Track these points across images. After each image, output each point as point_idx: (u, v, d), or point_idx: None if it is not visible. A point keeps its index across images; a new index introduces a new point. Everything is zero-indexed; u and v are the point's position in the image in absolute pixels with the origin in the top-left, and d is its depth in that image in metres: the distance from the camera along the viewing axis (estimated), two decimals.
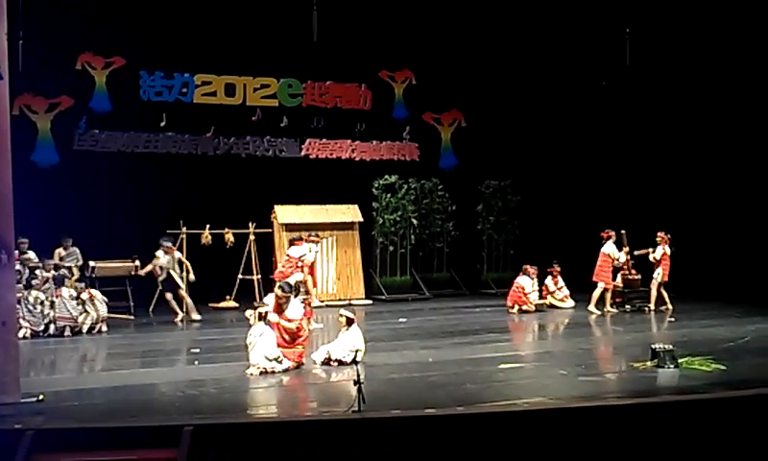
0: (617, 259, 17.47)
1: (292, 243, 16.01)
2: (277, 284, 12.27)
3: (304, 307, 12.78)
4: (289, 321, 11.71)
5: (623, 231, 17.64)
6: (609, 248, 17.41)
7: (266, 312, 11.68)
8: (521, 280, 17.83)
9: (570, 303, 18.45)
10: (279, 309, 11.85)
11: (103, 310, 15.41)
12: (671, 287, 17.58)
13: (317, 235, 16.82)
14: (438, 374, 11.26)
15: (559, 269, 18.63)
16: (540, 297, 18.23)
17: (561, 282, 18.65)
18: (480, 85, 22.10)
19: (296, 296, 12.19)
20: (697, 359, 11.45)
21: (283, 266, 15.83)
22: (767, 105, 18.97)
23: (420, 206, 21.07)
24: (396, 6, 20.21)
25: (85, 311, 15.11)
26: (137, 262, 17.33)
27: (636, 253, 17.71)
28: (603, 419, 8.71)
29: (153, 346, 14.21)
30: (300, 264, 15.44)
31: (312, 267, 15.94)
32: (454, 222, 21.54)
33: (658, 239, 17.46)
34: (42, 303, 14.84)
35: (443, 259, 21.65)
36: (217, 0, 19.35)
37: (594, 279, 17.44)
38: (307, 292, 15.02)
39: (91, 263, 16.98)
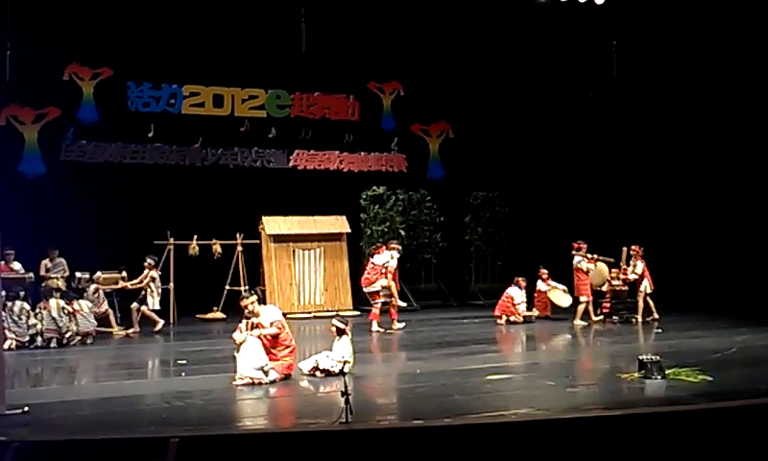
0: (589, 270, 17.43)
1: (374, 252, 17.21)
2: (241, 295, 12.20)
3: (388, 307, 15.92)
4: (266, 327, 11.64)
5: (624, 248, 17.61)
6: (577, 261, 17.38)
7: (256, 323, 11.61)
8: (511, 291, 17.81)
9: (568, 299, 18.29)
10: (254, 317, 11.77)
11: (85, 325, 15.24)
12: (658, 299, 17.61)
13: (396, 243, 17.72)
14: (426, 385, 11.23)
15: (546, 272, 18.51)
16: (529, 308, 18.20)
17: (553, 283, 18.57)
18: (468, 97, 22.17)
19: (260, 301, 12.05)
20: (684, 370, 11.45)
21: (368, 273, 16.96)
22: (752, 118, 19.09)
23: (407, 218, 21.08)
24: (385, 18, 20.26)
25: (68, 324, 15.01)
26: (124, 273, 17.27)
27: (623, 277, 17.65)
28: (590, 430, 8.72)
29: (139, 357, 14.14)
30: (383, 270, 16.66)
31: (394, 272, 17.00)
32: (442, 233, 21.55)
33: (632, 253, 17.50)
34: (28, 314, 14.75)
35: (430, 270, 21.65)
36: (205, 11, 19.35)
37: (576, 294, 17.48)
38: (391, 295, 16.74)
39: (77, 274, 16.90)
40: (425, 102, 22.50)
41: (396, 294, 16.98)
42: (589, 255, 17.46)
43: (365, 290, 17.35)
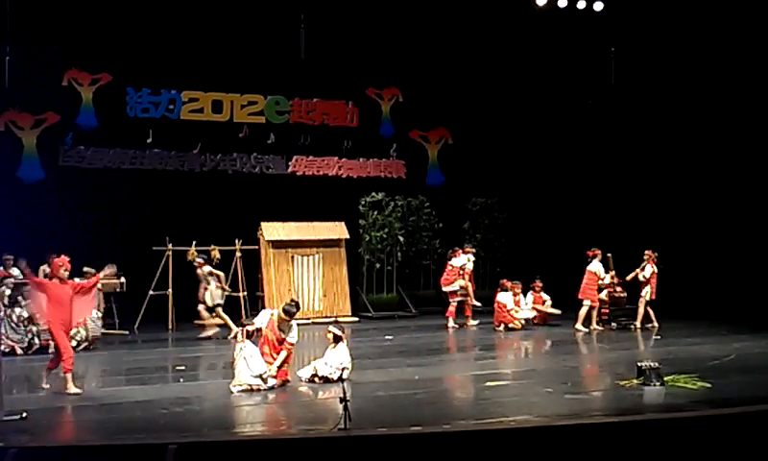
0: (603, 279, 17.49)
1: (451, 255, 18.57)
2: (283, 305, 12.01)
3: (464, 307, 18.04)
4: (287, 344, 11.62)
5: (609, 255, 17.64)
6: (595, 266, 17.44)
7: (253, 330, 11.61)
8: (501, 297, 17.84)
9: (557, 311, 18.44)
10: (278, 329, 11.72)
11: (94, 330, 15.27)
12: (657, 305, 17.61)
13: (471, 247, 19.12)
14: (424, 391, 11.23)
15: (541, 285, 18.61)
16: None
17: (544, 297, 18.65)
18: (467, 103, 22.17)
19: (293, 315, 12.02)
20: (683, 377, 11.46)
21: (447, 274, 18.47)
22: (751, 124, 19.11)
23: (406, 224, 21.05)
24: (384, 24, 20.28)
25: (76, 327, 15.01)
26: (123, 279, 17.25)
27: (627, 278, 17.63)
28: (589, 437, 8.71)
29: (137, 363, 14.12)
30: (461, 272, 18.21)
31: (470, 274, 18.58)
32: (441, 239, 21.52)
33: (645, 257, 17.48)
34: (25, 320, 14.73)
35: (429, 277, 21.61)
36: (204, 17, 19.36)
37: (580, 296, 17.46)
38: (467, 295, 18.26)
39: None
40: (424, 108, 22.49)
41: (471, 294, 18.41)
42: (612, 269, 17.52)
43: (443, 289, 18.62)
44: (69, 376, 11.06)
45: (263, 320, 11.85)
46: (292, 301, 12.34)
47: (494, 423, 9.37)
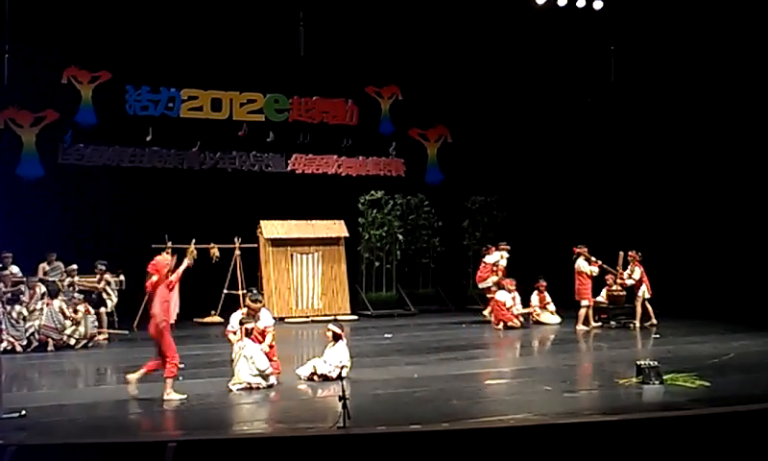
0: (592, 274, 17.46)
1: (485, 253, 18.73)
2: (249, 297, 12.13)
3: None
4: (267, 329, 11.66)
5: (585, 248, 17.58)
6: (579, 264, 17.42)
7: (252, 328, 11.61)
8: (500, 296, 17.84)
9: (557, 318, 18.48)
10: (253, 321, 11.78)
11: (92, 328, 15.32)
12: (656, 304, 17.60)
13: (506, 244, 18.80)
14: (423, 390, 11.23)
15: (545, 284, 18.66)
16: (525, 306, 18.23)
17: (547, 298, 18.68)
18: (466, 102, 22.18)
19: (261, 303, 12.12)
20: (682, 376, 11.46)
21: (481, 272, 18.63)
22: (749, 123, 19.11)
23: (405, 222, 21.07)
24: (383, 22, 20.28)
25: (76, 325, 15.05)
26: (122, 277, 17.26)
27: (616, 288, 17.63)
28: (588, 435, 8.72)
29: (136, 361, 14.06)
30: (494, 269, 18.32)
31: (504, 270, 18.46)
32: (440, 237, 21.55)
33: (629, 259, 17.48)
34: (25, 317, 14.74)
35: (428, 275, 21.65)
36: (204, 15, 19.36)
37: (577, 298, 17.48)
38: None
39: (76, 278, 16.86)
40: (424, 106, 22.49)
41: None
42: (593, 259, 17.50)
43: (479, 286, 18.79)
44: (171, 381, 10.60)
45: (238, 320, 11.87)
46: (254, 290, 12.64)
47: (493, 421, 9.38)
